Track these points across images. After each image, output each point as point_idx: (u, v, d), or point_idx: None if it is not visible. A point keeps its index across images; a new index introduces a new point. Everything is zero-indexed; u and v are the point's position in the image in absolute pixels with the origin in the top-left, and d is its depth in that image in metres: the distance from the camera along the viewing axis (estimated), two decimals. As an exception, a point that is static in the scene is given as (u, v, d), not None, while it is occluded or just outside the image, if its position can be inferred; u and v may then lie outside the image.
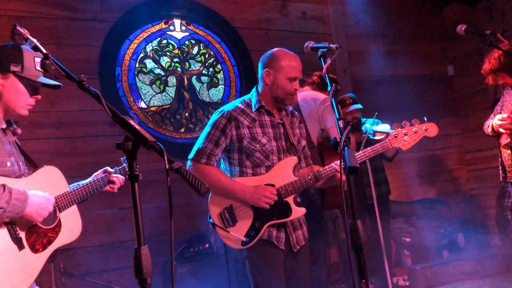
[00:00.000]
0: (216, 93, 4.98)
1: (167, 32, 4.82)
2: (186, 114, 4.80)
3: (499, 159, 3.56)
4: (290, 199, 2.47)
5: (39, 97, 2.00)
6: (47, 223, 1.95)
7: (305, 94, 3.47)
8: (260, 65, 2.61)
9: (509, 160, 3.43)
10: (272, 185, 2.46)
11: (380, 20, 5.84)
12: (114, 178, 2.29)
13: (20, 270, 1.82)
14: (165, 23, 4.82)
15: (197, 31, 4.96)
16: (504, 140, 3.43)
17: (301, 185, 2.47)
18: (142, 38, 4.68)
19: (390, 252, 4.54)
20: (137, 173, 1.39)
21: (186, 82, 4.84)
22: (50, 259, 3.30)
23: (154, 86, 4.70)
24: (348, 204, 1.75)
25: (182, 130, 4.74)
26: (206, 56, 4.98)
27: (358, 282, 1.73)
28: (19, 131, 2.06)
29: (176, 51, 4.84)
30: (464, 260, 4.90)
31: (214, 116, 2.57)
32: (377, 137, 2.52)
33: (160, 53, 4.76)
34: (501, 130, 3.38)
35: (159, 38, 4.78)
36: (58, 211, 2.01)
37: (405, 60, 5.96)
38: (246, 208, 2.46)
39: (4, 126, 1.98)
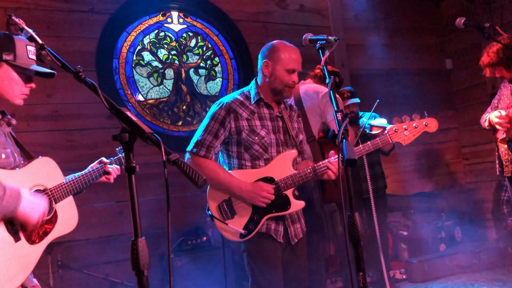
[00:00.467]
0: (214, 86, 4.97)
1: (165, 25, 4.80)
2: (184, 107, 4.78)
3: (496, 153, 3.56)
4: (289, 192, 2.46)
5: (33, 85, 1.97)
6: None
7: (307, 87, 3.46)
8: (260, 56, 2.59)
9: (506, 154, 3.44)
10: (272, 178, 2.45)
11: (379, 13, 5.82)
12: (110, 169, 2.28)
13: (16, 262, 1.81)
14: (163, 15, 4.79)
15: (194, 23, 4.94)
16: (501, 135, 3.44)
17: (301, 179, 2.46)
18: (139, 31, 4.65)
19: (387, 246, 4.55)
20: (134, 165, 1.38)
21: (183, 75, 4.83)
22: (47, 251, 3.32)
23: (151, 78, 4.68)
24: (346, 198, 1.75)
25: (180, 123, 4.73)
26: (204, 48, 4.96)
27: (355, 275, 1.73)
28: (13, 121, 2.03)
29: (174, 43, 4.82)
30: (461, 253, 4.92)
31: (213, 108, 2.55)
32: (374, 132, 2.51)
33: (157, 45, 4.74)
34: (497, 127, 3.38)
35: (156, 31, 4.75)
36: (54, 202, 2.00)
37: (403, 54, 5.95)
38: (245, 201, 2.45)
39: None
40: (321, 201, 3.35)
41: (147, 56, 4.68)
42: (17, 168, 1.92)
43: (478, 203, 5.96)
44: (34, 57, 1.88)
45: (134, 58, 4.61)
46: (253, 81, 2.63)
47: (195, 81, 4.88)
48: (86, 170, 2.22)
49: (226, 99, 2.56)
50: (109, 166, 2.29)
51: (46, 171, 2.04)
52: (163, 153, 1.35)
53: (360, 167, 4.18)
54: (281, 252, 2.51)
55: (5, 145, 1.91)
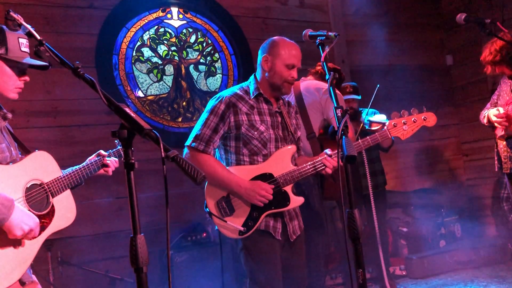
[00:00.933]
0: (214, 82, 4.96)
1: (164, 20, 4.78)
2: (184, 103, 4.78)
3: (495, 150, 3.56)
4: (288, 188, 2.45)
5: (27, 78, 1.93)
6: (40, 209, 1.94)
7: (308, 84, 3.45)
8: (259, 52, 2.58)
9: (505, 151, 3.44)
10: (271, 174, 2.43)
11: (379, 9, 5.80)
12: (108, 161, 2.27)
13: (13, 257, 1.80)
14: (162, 11, 4.77)
15: (194, 19, 4.92)
16: (500, 131, 3.43)
17: (300, 174, 2.44)
18: (139, 26, 4.64)
19: (387, 242, 4.56)
20: (132, 161, 1.38)
21: (183, 71, 4.82)
22: (47, 247, 3.33)
23: (151, 75, 4.68)
24: (345, 194, 1.74)
25: (180, 119, 4.72)
26: (204, 44, 4.94)
27: (355, 272, 1.73)
28: (9, 115, 1.99)
29: (174, 39, 4.80)
30: (461, 249, 4.92)
31: (212, 102, 2.52)
32: (373, 128, 2.51)
33: (157, 41, 4.73)
34: (496, 125, 3.38)
35: (156, 26, 4.74)
36: (51, 197, 1.99)
37: (403, 50, 5.94)
38: (243, 198, 2.42)
39: None
40: (320, 198, 3.34)
41: (146, 52, 4.67)
42: (11, 163, 1.90)
43: (478, 200, 5.96)
44: (27, 49, 1.86)
45: (134, 54, 4.60)
46: (252, 77, 2.61)
47: (195, 77, 4.88)
48: (84, 163, 2.20)
49: (226, 93, 2.54)
50: (107, 158, 2.27)
51: (42, 165, 2.02)
52: (162, 150, 1.35)
53: (359, 164, 4.18)
54: (279, 250, 2.49)
55: (1, 140, 1.89)
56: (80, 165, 2.18)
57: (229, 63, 5.02)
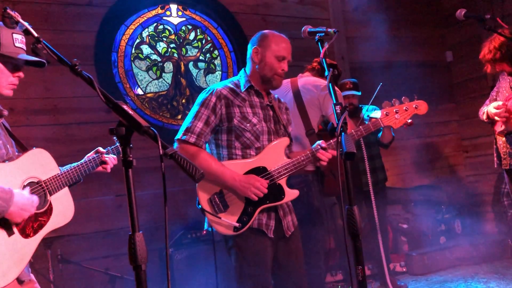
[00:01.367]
0: (213, 79, 4.95)
1: (164, 18, 4.77)
2: (183, 100, 4.77)
3: (494, 146, 3.56)
4: (282, 182, 2.41)
5: (22, 75, 1.91)
6: (37, 207, 1.93)
7: (306, 80, 3.44)
8: (249, 45, 2.56)
9: (504, 147, 3.43)
10: (264, 168, 2.40)
11: (379, 6, 5.79)
12: (106, 158, 2.26)
13: (10, 256, 1.79)
14: (161, 8, 4.76)
15: (193, 16, 4.91)
16: (499, 127, 3.42)
17: (294, 167, 2.40)
18: (138, 24, 4.63)
19: (387, 239, 4.56)
20: (131, 159, 1.37)
21: (183, 68, 4.81)
22: (47, 245, 3.33)
23: (150, 72, 4.67)
24: (345, 191, 1.74)
25: (179, 117, 4.72)
26: (203, 41, 4.93)
27: (354, 268, 1.73)
28: (5, 112, 1.98)
29: (173, 36, 4.79)
30: (461, 246, 4.93)
31: (203, 95, 2.48)
32: (384, 126, 2.49)
33: (156, 38, 4.71)
34: (496, 118, 3.37)
35: (155, 24, 4.73)
36: (48, 195, 1.99)
37: (403, 46, 5.93)
38: (237, 193, 2.37)
39: None
40: (320, 195, 3.33)
41: (146, 49, 4.66)
42: (6, 162, 1.89)
43: (478, 196, 5.96)
44: (22, 45, 1.83)
45: (133, 51, 4.59)
46: (242, 71, 2.58)
47: (195, 75, 4.87)
48: (82, 160, 2.19)
49: (216, 86, 2.50)
50: (105, 155, 2.26)
51: (39, 162, 2.00)
52: (160, 147, 1.34)
53: (360, 160, 4.18)
54: (271, 248, 2.45)
55: None
56: (78, 162, 2.17)
57: (228, 60, 5.01)
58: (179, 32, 4.83)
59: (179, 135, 2.43)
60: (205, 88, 4.78)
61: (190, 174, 1.41)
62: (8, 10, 1.52)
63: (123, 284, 3.76)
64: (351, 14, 5.67)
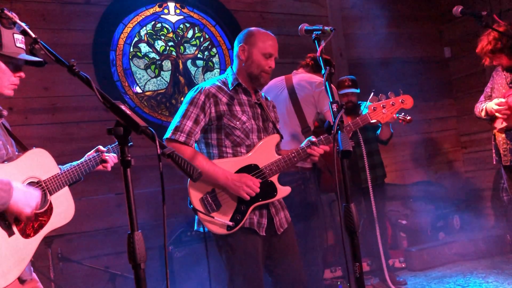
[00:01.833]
0: (212, 77, 4.94)
1: (161, 16, 4.77)
2: (182, 98, 4.77)
3: (493, 143, 3.56)
4: (274, 179, 2.40)
5: (23, 75, 1.91)
6: (37, 207, 1.93)
7: (300, 77, 3.44)
8: (235, 43, 2.54)
9: (504, 143, 3.43)
10: (256, 166, 2.39)
11: (377, 2, 5.79)
12: (107, 157, 2.26)
13: (11, 256, 1.80)
14: (159, 6, 4.76)
15: (191, 14, 4.91)
16: (499, 124, 3.42)
17: (285, 163, 2.39)
18: (136, 22, 4.63)
19: (386, 235, 4.58)
20: (129, 158, 1.38)
21: (181, 66, 4.81)
22: (47, 244, 3.34)
23: (149, 70, 4.67)
24: (342, 188, 1.74)
25: (178, 114, 4.72)
26: (201, 39, 4.94)
27: (352, 265, 1.74)
28: (5, 112, 1.98)
29: (171, 34, 4.80)
30: (460, 241, 4.94)
31: (191, 94, 2.45)
32: (372, 121, 2.50)
33: (154, 37, 4.72)
34: (497, 114, 3.36)
35: (153, 22, 4.73)
36: (48, 194, 1.99)
37: (401, 42, 5.93)
38: (229, 192, 2.35)
39: None
40: (317, 192, 3.34)
41: (144, 47, 4.66)
42: (6, 162, 1.89)
43: (477, 192, 5.98)
44: (22, 45, 1.84)
45: (131, 50, 4.59)
46: (229, 68, 2.57)
47: (193, 73, 4.87)
48: (82, 159, 2.19)
49: (204, 84, 2.48)
50: (106, 154, 2.26)
51: (39, 162, 2.00)
52: (158, 147, 1.35)
53: (359, 157, 4.19)
54: (262, 248, 2.44)
55: None
56: (79, 161, 2.18)
57: (226, 58, 5.01)
58: (177, 30, 4.83)
59: (168, 134, 2.39)
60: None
61: (188, 173, 1.42)
62: (6, 11, 1.52)
63: (123, 282, 3.77)
64: (348, 10, 5.67)
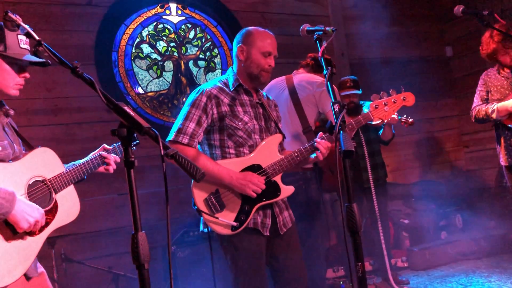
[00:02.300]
0: (214, 78, 4.96)
1: (163, 17, 4.78)
2: (184, 99, 4.78)
3: (503, 144, 3.53)
4: (277, 178, 2.41)
5: (27, 75, 1.94)
6: (43, 206, 1.95)
7: (301, 78, 3.44)
8: (234, 43, 2.55)
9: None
10: (259, 166, 2.39)
11: (378, 2, 5.79)
12: (109, 160, 2.25)
13: (16, 254, 1.82)
14: (161, 7, 4.77)
15: (193, 15, 4.92)
16: None
17: (288, 163, 2.39)
18: (138, 23, 4.64)
19: (389, 234, 4.57)
20: (132, 159, 1.39)
21: (183, 66, 4.82)
22: (50, 244, 3.35)
23: (151, 71, 4.68)
24: (344, 188, 1.75)
25: (180, 115, 4.73)
26: (203, 40, 4.95)
27: (354, 265, 1.75)
28: (11, 112, 2.01)
29: (173, 35, 4.81)
30: (462, 241, 4.94)
31: (192, 95, 2.46)
32: (374, 122, 2.50)
33: (156, 37, 4.73)
34: None
35: (155, 23, 4.74)
36: (54, 193, 2.01)
37: (403, 42, 5.93)
38: (233, 192, 2.36)
39: None
40: (318, 191, 3.34)
41: (146, 48, 4.67)
42: (10, 161, 1.91)
43: (479, 190, 5.97)
44: (26, 46, 1.86)
45: (133, 50, 4.61)
46: (229, 69, 2.58)
47: (195, 73, 4.88)
48: (87, 158, 2.21)
49: (206, 86, 2.48)
50: (107, 155, 2.26)
51: (44, 161, 2.02)
52: (161, 148, 1.36)
53: (360, 157, 4.19)
54: (266, 248, 2.44)
55: (2, 137, 1.89)
56: (83, 160, 2.19)
57: (228, 58, 5.03)
58: (179, 30, 4.84)
59: (170, 137, 2.40)
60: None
61: (191, 173, 1.43)
62: (10, 14, 1.53)
63: (126, 282, 3.79)
64: (350, 10, 5.67)
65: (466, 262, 4.76)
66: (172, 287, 1.42)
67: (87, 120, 4.19)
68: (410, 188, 5.62)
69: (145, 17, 4.68)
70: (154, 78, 4.69)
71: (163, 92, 4.71)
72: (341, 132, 1.74)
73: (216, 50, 5.00)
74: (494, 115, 3.46)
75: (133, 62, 4.60)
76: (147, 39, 4.68)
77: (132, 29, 4.60)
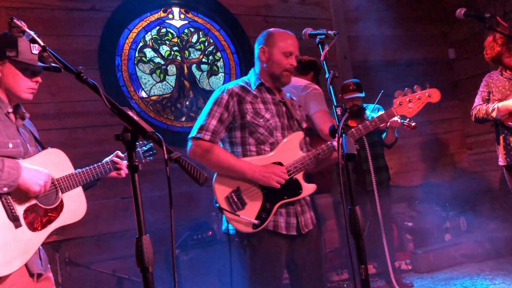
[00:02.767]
0: (217, 81, 4.98)
1: (166, 21, 4.81)
2: (187, 102, 4.80)
3: (503, 143, 3.54)
4: (299, 176, 2.40)
5: (40, 80, 2.03)
6: (48, 203, 1.98)
7: None
8: (256, 45, 2.57)
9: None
10: (280, 164, 2.39)
11: (380, 4, 5.80)
12: (121, 165, 2.28)
13: (15, 246, 1.85)
14: (164, 11, 4.80)
15: (196, 19, 4.94)
16: None
17: (310, 161, 2.39)
18: (141, 27, 4.67)
19: (393, 237, 4.56)
20: (136, 163, 1.41)
21: (186, 70, 4.84)
22: (54, 248, 3.37)
23: (154, 75, 4.70)
24: (347, 191, 1.76)
25: (183, 119, 4.75)
26: (206, 44, 4.97)
27: (358, 268, 1.75)
28: (27, 115, 2.11)
29: (176, 39, 4.83)
30: (466, 243, 4.93)
31: (215, 94, 2.49)
32: (396, 117, 2.46)
33: (159, 42, 4.75)
34: None
35: (158, 27, 4.76)
36: (60, 192, 2.04)
37: (405, 44, 5.93)
38: (254, 190, 2.36)
39: (10, 110, 2.02)
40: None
41: (149, 52, 4.69)
42: (21, 159, 1.95)
43: (483, 193, 5.95)
44: (38, 52, 1.93)
45: (136, 55, 4.63)
46: (251, 70, 2.60)
47: (198, 77, 4.90)
48: (99, 163, 2.24)
49: (229, 85, 2.52)
50: (119, 161, 2.29)
51: (54, 161, 2.07)
52: (165, 152, 1.37)
53: (363, 160, 4.19)
54: (285, 251, 2.43)
55: (14, 136, 1.96)
56: (94, 165, 2.22)
57: (231, 61, 5.04)
58: (182, 35, 4.86)
59: (193, 133, 2.43)
60: (209, 90, 4.87)
61: (195, 177, 1.44)
62: (15, 20, 1.56)
63: (130, 286, 3.79)
64: (352, 13, 5.68)
65: (471, 264, 4.74)
66: (176, 290, 1.42)
67: (91, 124, 4.21)
68: (414, 190, 5.61)
69: (148, 22, 4.71)
70: (157, 82, 4.71)
71: (166, 95, 4.73)
72: (343, 135, 1.75)
73: (219, 54, 5.02)
74: (494, 114, 3.48)
75: (136, 66, 4.62)
76: (150, 43, 4.70)
77: (135, 34, 4.63)
